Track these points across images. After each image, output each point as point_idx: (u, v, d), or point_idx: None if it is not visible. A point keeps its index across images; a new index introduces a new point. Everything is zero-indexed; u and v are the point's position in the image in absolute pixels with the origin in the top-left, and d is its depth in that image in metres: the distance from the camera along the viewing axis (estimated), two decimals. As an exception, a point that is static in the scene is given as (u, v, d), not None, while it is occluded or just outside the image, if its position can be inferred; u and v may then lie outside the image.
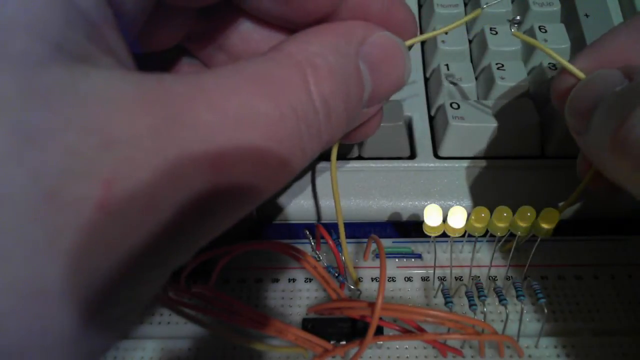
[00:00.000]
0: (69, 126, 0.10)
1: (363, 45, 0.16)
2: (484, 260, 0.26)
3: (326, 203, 0.27)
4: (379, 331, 0.23)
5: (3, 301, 0.09)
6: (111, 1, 0.12)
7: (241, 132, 0.12)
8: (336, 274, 0.24)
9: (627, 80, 0.18)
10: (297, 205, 0.27)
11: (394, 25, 0.17)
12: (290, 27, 0.17)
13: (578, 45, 0.29)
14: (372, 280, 0.25)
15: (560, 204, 0.22)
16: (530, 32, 0.30)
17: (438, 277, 0.25)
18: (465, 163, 0.28)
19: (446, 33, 0.31)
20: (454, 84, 0.29)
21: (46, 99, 0.10)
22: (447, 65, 0.29)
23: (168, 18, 0.16)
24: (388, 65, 0.16)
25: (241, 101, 0.12)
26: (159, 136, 0.11)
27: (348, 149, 0.28)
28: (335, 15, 0.17)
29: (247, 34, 0.18)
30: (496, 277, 0.25)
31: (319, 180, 0.27)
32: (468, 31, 0.31)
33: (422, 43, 0.32)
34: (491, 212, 0.22)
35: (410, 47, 0.18)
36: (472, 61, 0.30)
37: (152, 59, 0.17)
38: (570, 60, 0.21)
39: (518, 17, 0.22)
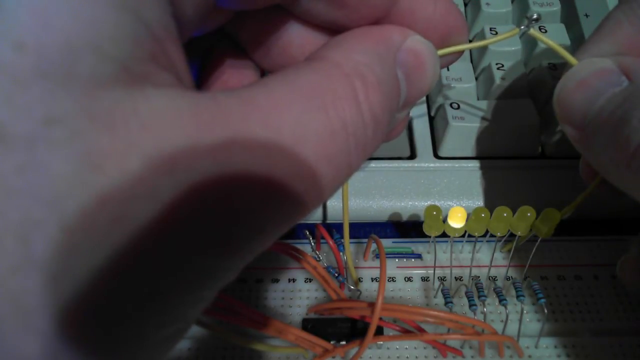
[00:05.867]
0: (131, 151, 0.10)
1: (399, 51, 0.15)
2: (484, 260, 0.26)
3: (328, 203, 0.27)
4: (379, 331, 0.23)
5: None
6: (174, 12, 0.12)
7: (294, 150, 0.12)
8: (336, 274, 0.24)
9: (624, 76, 0.18)
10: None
11: (445, 31, 0.17)
12: (336, 29, 0.17)
13: (578, 45, 0.29)
14: (372, 280, 0.25)
15: (564, 210, 0.22)
16: (530, 32, 0.30)
17: (438, 277, 0.25)
18: (465, 163, 0.28)
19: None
20: (454, 84, 0.29)
21: (109, 123, 0.10)
22: (447, 65, 0.29)
23: (214, 12, 0.16)
24: (421, 71, 0.16)
25: (294, 118, 0.12)
26: (218, 160, 0.11)
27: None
28: (386, 19, 0.16)
29: (289, 27, 0.18)
30: (496, 277, 0.25)
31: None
32: (469, 37, 0.31)
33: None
34: (491, 212, 0.22)
35: (462, 53, 0.18)
36: (472, 61, 0.30)
37: (194, 41, 0.17)
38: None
39: (535, 15, 0.20)
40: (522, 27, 0.19)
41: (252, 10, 0.16)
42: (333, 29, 0.17)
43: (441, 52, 0.17)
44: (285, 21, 0.17)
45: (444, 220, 0.23)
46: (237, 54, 0.19)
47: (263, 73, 0.19)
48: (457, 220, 0.22)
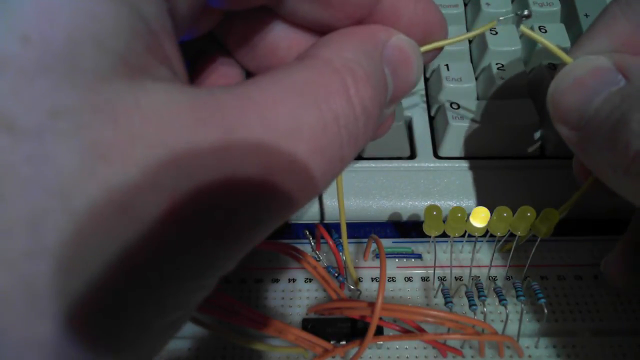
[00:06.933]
0: (134, 143, 0.10)
1: (385, 48, 0.16)
2: (484, 260, 0.26)
3: (327, 203, 0.27)
4: (379, 331, 0.23)
5: None
6: (169, 9, 0.12)
7: (289, 145, 0.12)
8: (336, 274, 0.24)
9: (620, 75, 0.17)
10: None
11: (426, 28, 0.17)
12: (320, 29, 0.17)
13: (578, 45, 0.29)
14: (372, 280, 0.25)
15: (560, 208, 0.22)
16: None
17: (438, 277, 0.25)
18: (465, 163, 0.28)
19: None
20: (454, 84, 0.29)
21: (112, 115, 0.10)
22: (447, 65, 0.29)
23: (204, 13, 0.17)
24: (406, 67, 0.17)
25: (288, 113, 0.12)
26: (217, 151, 0.11)
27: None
28: (369, 18, 0.17)
29: (275, 28, 0.18)
30: (496, 277, 0.25)
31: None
32: (468, 31, 0.31)
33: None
34: (491, 212, 0.22)
35: (440, 49, 0.18)
36: (472, 61, 0.30)
37: (182, 46, 0.17)
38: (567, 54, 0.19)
39: (526, 11, 0.20)
40: (501, 19, 0.19)
41: (239, 10, 0.17)
42: (318, 30, 0.18)
43: (423, 48, 0.18)
44: (271, 23, 0.18)
45: (444, 220, 0.23)
46: (223, 58, 0.19)
47: (248, 76, 0.20)
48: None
